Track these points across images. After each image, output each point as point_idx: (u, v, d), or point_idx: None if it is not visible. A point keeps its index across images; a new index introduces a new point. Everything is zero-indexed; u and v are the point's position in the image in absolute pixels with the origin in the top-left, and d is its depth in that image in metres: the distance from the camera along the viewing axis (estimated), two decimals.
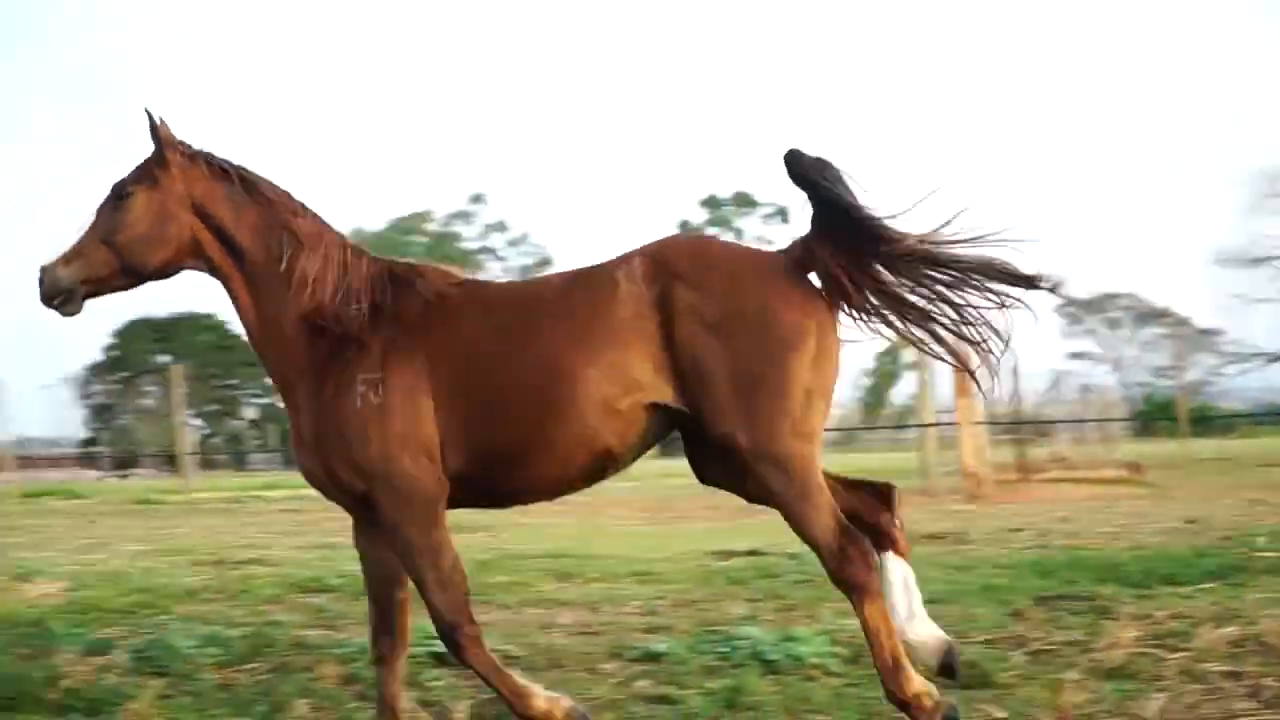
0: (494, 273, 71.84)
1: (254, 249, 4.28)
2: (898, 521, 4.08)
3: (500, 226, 75.27)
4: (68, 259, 4.28)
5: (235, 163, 4.36)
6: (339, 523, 13.12)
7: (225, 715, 4.18)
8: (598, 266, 4.19)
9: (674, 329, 3.91)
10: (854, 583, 3.79)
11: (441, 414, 4.05)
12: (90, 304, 4.33)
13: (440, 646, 4.26)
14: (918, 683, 3.80)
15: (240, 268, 4.32)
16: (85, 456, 55.93)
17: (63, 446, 58.66)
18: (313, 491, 4.30)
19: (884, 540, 4.02)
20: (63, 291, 4.28)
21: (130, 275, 4.35)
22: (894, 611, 3.89)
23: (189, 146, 4.35)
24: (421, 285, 4.26)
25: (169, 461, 53.23)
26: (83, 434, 63.39)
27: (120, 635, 5.88)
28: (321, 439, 4.12)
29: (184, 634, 5.51)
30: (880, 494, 4.14)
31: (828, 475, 4.02)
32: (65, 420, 64.23)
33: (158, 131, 4.30)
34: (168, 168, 4.27)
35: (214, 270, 4.38)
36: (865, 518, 4.04)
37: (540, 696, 4.02)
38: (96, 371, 65.78)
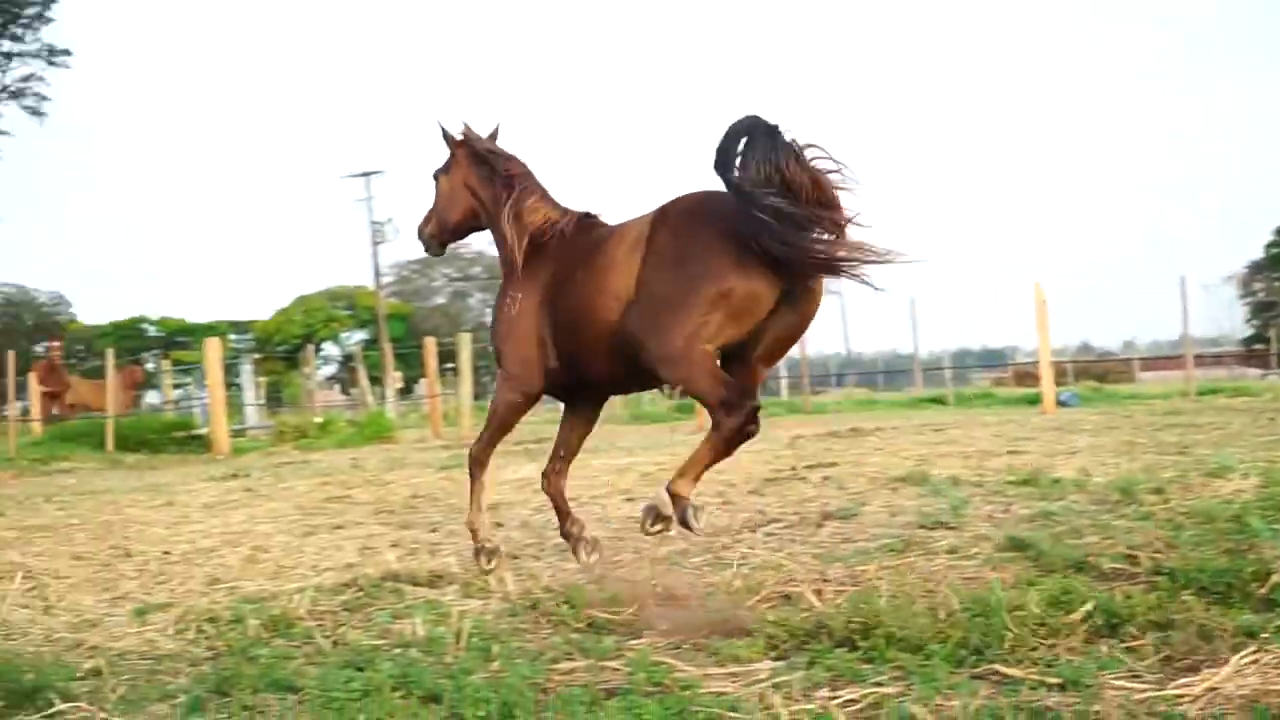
0: None
1: (495, 212, 6.20)
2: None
3: None
4: (425, 219, 6.62)
5: (496, 148, 6.29)
6: None
7: None
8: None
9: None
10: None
11: (543, 327, 5.79)
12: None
13: None
14: (690, 491, 5.22)
15: (492, 224, 6.28)
16: (1250, 354, 55.24)
17: (1225, 345, 58.44)
18: None
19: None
20: (423, 240, 6.67)
21: (447, 232, 6.60)
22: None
23: (470, 139, 6.36)
24: (568, 231, 5.98)
25: None
26: (1246, 332, 62.85)
27: None
28: (492, 325, 6.16)
29: None
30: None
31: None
32: (1227, 318, 64.06)
33: (446, 135, 6.44)
34: (455, 160, 6.44)
35: (485, 226, 6.41)
36: None
37: (480, 519, 6.11)
38: (1259, 269, 64.86)
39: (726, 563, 5.77)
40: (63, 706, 3.83)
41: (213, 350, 21.96)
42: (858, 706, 3.51)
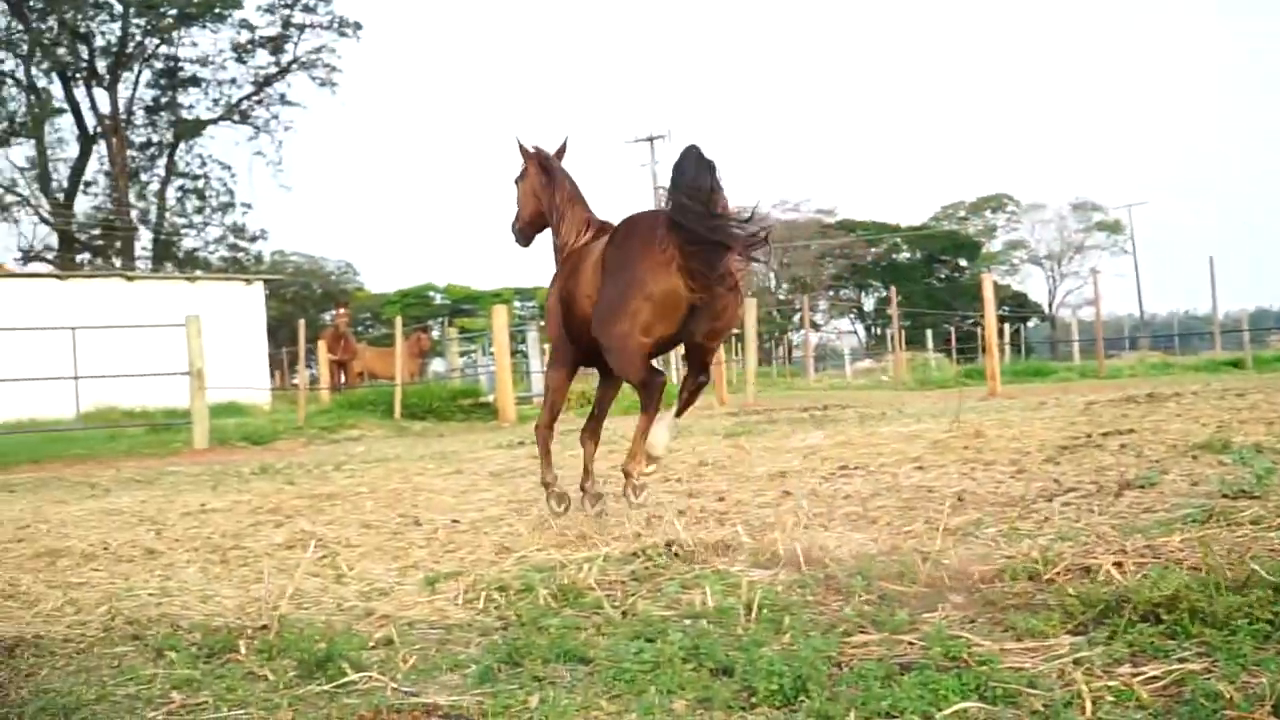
0: None
1: (551, 213, 7.57)
2: (686, 396, 6.91)
3: None
4: (516, 216, 7.91)
5: (552, 161, 7.64)
6: None
7: None
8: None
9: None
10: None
11: (564, 318, 7.19)
12: None
13: None
14: (642, 465, 6.88)
15: (551, 222, 7.61)
16: None
17: None
18: None
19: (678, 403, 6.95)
20: (513, 232, 7.96)
21: (527, 227, 7.88)
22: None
23: (536, 153, 7.71)
24: (585, 241, 7.24)
25: None
26: None
27: None
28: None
29: None
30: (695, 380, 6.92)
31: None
32: None
33: (522, 148, 7.76)
34: (527, 171, 7.78)
35: (548, 224, 7.69)
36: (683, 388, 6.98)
37: (552, 475, 7.44)
38: None
39: (1022, 534, 5.67)
40: (354, 676, 3.92)
41: (499, 318, 22.68)
42: (1161, 684, 3.42)
